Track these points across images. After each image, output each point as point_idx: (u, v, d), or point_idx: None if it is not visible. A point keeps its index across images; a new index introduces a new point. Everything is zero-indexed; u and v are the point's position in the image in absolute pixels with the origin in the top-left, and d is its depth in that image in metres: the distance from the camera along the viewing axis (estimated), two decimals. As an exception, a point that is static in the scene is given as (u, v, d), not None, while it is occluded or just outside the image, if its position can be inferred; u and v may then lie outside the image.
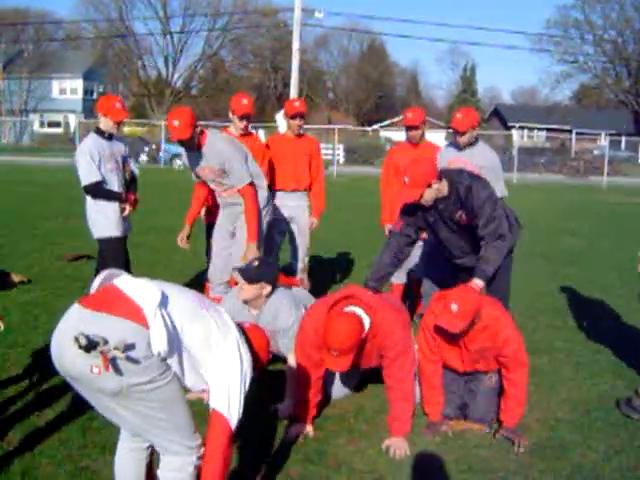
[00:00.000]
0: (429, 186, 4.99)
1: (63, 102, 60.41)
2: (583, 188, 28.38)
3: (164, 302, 3.00)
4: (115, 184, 6.48)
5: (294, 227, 7.25)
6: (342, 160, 39.03)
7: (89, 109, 59.34)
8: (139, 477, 3.43)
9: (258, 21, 60.87)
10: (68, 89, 61.43)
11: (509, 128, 54.75)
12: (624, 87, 49.88)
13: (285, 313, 4.93)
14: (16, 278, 8.29)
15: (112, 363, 2.81)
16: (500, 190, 6.09)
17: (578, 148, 47.44)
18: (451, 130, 6.47)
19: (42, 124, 60.03)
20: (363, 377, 5.30)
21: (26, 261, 9.81)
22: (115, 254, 6.54)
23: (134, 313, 2.90)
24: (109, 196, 6.44)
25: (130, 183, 6.76)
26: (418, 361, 4.72)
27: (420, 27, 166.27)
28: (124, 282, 3.07)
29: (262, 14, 59.57)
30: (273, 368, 5.63)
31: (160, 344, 2.90)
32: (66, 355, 2.88)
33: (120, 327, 2.86)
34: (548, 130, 57.63)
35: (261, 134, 47.51)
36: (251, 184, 5.97)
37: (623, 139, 47.08)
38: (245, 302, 4.97)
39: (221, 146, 5.91)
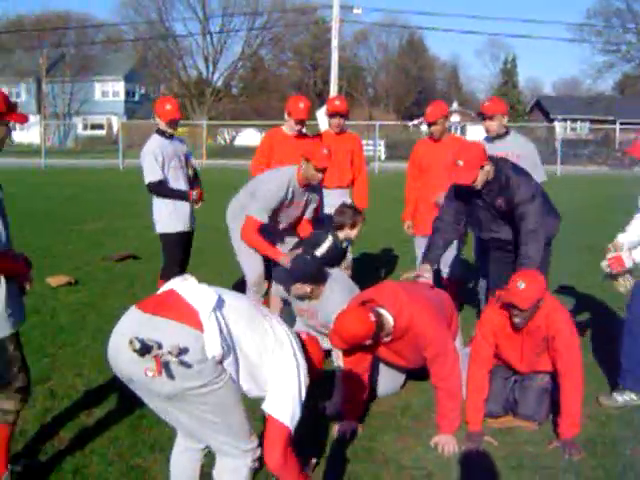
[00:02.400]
0: (482, 168, 5.00)
1: (105, 104, 61.10)
2: (628, 179, 27.88)
3: (220, 306, 3.03)
4: (181, 181, 6.73)
5: None
6: (384, 156, 38.92)
7: (131, 111, 60.05)
8: (194, 477, 3.46)
9: (297, 19, 60.92)
10: (110, 91, 62.18)
11: (551, 120, 54.11)
12: (668, 75, 49.19)
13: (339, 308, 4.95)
14: (63, 279, 8.41)
15: (165, 367, 2.83)
16: (540, 176, 6.13)
17: (622, 139, 46.68)
18: (480, 117, 6.44)
19: (85, 127, 60.80)
20: (410, 374, 5.28)
21: (73, 262, 9.96)
22: (175, 248, 6.75)
23: (190, 317, 2.93)
24: (172, 194, 6.66)
25: (194, 179, 6.96)
26: (468, 364, 4.66)
27: (459, 20, 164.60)
28: (182, 286, 3.11)
29: (300, 12, 59.58)
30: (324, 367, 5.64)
31: (214, 348, 2.91)
32: (121, 358, 2.92)
33: (174, 331, 2.89)
34: (591, 121, 56.78)
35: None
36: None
37: (668, 129, 46.32)
38: (303, 298, 5.16)
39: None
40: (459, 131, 45.87)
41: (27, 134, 55.16)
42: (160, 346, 2.80)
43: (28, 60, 57.90)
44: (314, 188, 6.09)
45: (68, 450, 4.28)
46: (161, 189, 6.60)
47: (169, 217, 6.68)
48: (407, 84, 72.58)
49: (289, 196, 5.87)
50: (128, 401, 4.47)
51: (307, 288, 5.05)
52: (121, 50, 65.50)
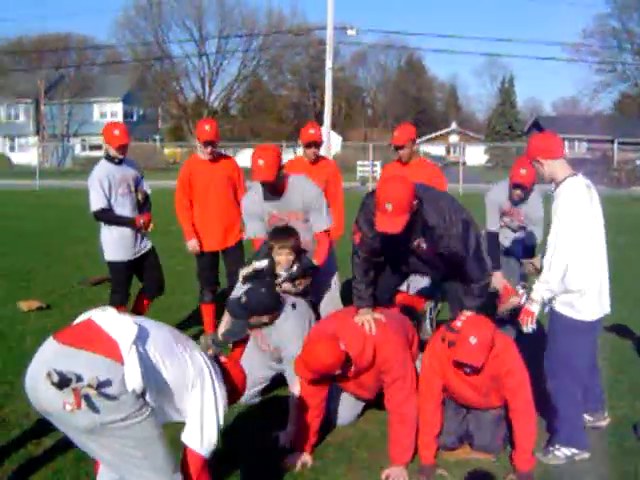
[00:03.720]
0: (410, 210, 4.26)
1: (104, 125, 61.02)
2: (625, 199, 27.82)
3: (141, 337, 2.97)
4: (127, 207, 6.62)
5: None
6: (379, 177, 38.88)
7: (129, 132, 60.17)
8: None
9: (293, 40, 61.21)
10: (108, 112, 62.27)
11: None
12: (665, 95, 49.26)
13: (292, 343, 4.86)
14: (34, 304, 8.32)
15: (85, 400, 2.75)
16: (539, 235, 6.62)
17: (620, 158, 46.71)
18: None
19: (84, 147, 60.85)
20: (368, 404, 5.17)
21: (49, 286, 9.88)
22: (121, 277, 6.74)
23: (109, 348, 2.86)
24: (118, 221, 6.58)
25: (144, 204, 6.86)
26: (419, 398, 4.53)
27: (457, 41, 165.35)
28: (101, 316, 3.03)
29: (295, 33, 59.83)
30: (276, 394, 5.55)
31: (134, 381, 2.85)
32: (39, 391, 2.84)
33: (94, 363, 2.82)
34: (589, 141, 56.86)
35: (300, 153, 47.91)
36: (328, 230, 5.81)
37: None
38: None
39: (309, 188, 5.66)
40: (459, 151, 45.93)
41: (26, 155, 55.30)
42: (79, 379, 2.74)
43: (27, 81, 58.06)
44: (296, 193, 5.62)
45: (9, 482, 4.17)
46: (107, 216, 6.55)
47: (114, 245, 6.65)
48: (405, 104, 72.91)
49: (262, 206, 5.66)
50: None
51: (264, 319, 4.95)
52: (120, 72, 65.77)
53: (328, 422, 4.94)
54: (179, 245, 8.49)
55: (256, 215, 5.71)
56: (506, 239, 6.93)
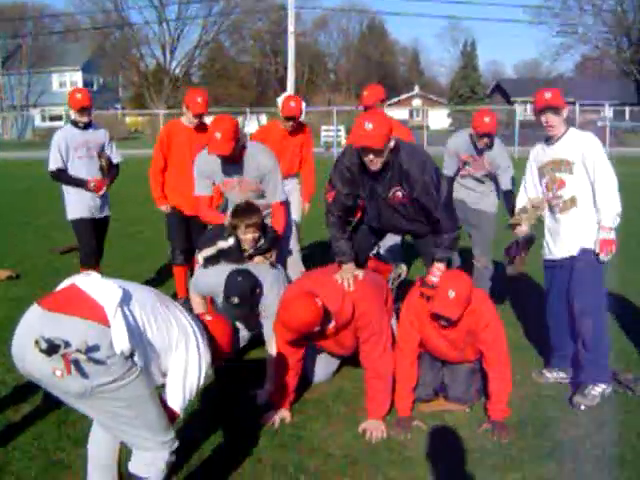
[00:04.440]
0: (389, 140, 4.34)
1: (63, 95, 58.55)
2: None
3: (126, 300, 2.99)
4: (83, 171, 6.86)
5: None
6: (344, 142, 38.81)
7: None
8: (112, 458, 3.46)
9: (255, 5, 60.55)
10: (68, 82, 61.09)
11: (512, 103, 54.35)
12: (625, 57, 49.45)
13: (271, 301, 4.88)
14: (3, 274, 8.27)
15: (75, 365, 2.77)
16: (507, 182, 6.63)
17: (582, 120, 47.05)
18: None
19: (44, 118, 59.81)
20: (344, 360, 5.24)
21: (17, 256, 9.81)
22: (85, 235, 7.00)
23: (95, 312, 2.87)
24: (70, 182, 6.87)
25: (109, 169, 7.07)
26: (395, 352, 4.62)
27: (418, 4, 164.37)
28: (85, 281, 3.05)
29: (257, -2, 59.24)
30: (255, 356, 5.60)
31: (122, 343, 2.87)
32: (27, 358, 2.85)
33: (81, 328, 2.83)
34: (551, 103, 57.10)
35: (263, 119, 47.28)
36: (284, 202, 5.77)
37: (627, 109, 46.69)
38: None
39: (265, 160, 5.56)
40: (422, 115, 46.01)
41: (-15, 127, 54.37)
42: (67, 344, 2.74)
43: (-17, 52, 56.97)
44: (252, 162, 5.52)
45: (-9, 447, 4.20)
46: (60, 177, 6.84)
47: (73, 204, 6.93)
48: (368, 69, 72.60)
49: (213, 168, 5.56)
50: (56, 397, 4.39)
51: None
52: (78, 40, 64.65)
53: (305, 379, 5.01)
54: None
55: (205, 175, 5.64)
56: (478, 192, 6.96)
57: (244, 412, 4.72)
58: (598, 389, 4.78)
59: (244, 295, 4.78)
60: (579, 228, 4.86)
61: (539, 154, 5.13)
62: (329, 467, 4.04)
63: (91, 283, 3.02)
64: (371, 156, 4.27)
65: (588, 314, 4.78)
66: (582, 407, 4.70)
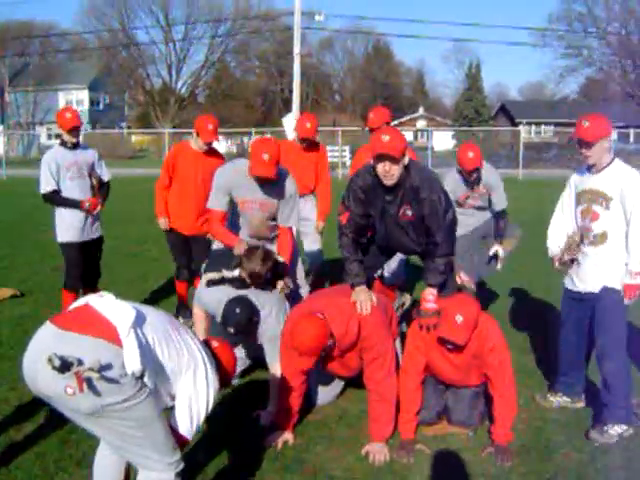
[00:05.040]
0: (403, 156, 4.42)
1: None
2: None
3: (139, 321, 3.02)
4: (76, 191, 6.81)
5: (307, 225, 7.38)
6: (348, 162, 38.87)
7: (95, 120, 59.55)
8: (118, 478, 3.46)
9: (260, 26, 60.85)
10: (74, 100, 61.33)
11: (516, 124, 54.49)
12: (630, 79, 49.50)
13: (271, 324, 4.89)
14: (8, 292, 8.27)
15: (87, 383, 2.79)
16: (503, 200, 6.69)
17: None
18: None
19: (49, 136, 59.99)
20: (348, 382, 5.24)
21: (22, 274, 9.81)
22: (73, 259, 6.95)
23: (108, 332, 2.90)
24: (65, 203, 6.79)
25: (99, 188, 7.04)
26: (400, 375, 4.62)
27: (424, 26, 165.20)
28: (99, 301, 3.08)
29: (263, 19, 59.49)
30: (258, 377, 5.59)
31: (134, 363, 2.90)
32: (40, 376, 2.87)
33: (94, 347, 2.85)
34: (556, 125, 57.25)
35: (268, 139, 47.44)
36: (290, 228, 5.79)
37: (632, 131, 46.73)
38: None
39: (289, 185, 5.55)
40: (427, 136, 46.08)
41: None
42: (81, 362, 2.76)
43: (-10, 69, 57.26)
44: (278, 186, 5.50)
45: (-8, 467, 4.19)
46: (54, 198, 6.77)
47: (64, 227, 6.85)
48: (373, 90, 72.83)
49: (236, 184, 5.52)
50: (59, 416, 4.36)
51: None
52: (85, 59, 64.94)
53: (308, 401, 5.01)
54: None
55: (225, 190, 5.57)
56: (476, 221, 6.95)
57: (247, 434, 4.71)
58: (618, 429, 4.65)
59: (239, 326, 4.77)
60: (605, 266, 4.71)
61: (581, 180, 4.91)
62: (332, 490, 4.03)
63: (105, 303, 3.06)
64: (387, 165, 4.33)
65: (609, 355, 4.68)
66: (597, 444, 4.59)
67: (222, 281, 5.18)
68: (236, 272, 5.12)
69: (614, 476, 4.15)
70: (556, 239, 5.06)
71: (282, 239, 5.64)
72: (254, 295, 4.95)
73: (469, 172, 6.57)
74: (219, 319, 4.97)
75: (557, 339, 5.24)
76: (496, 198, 6.73)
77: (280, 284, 5.18)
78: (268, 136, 5.48)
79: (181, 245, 7.15)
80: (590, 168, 4.78)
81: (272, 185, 5.41)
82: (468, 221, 6.77)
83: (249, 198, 5.52)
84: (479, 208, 6.90)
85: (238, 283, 5.10)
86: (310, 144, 7.24)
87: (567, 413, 5.07)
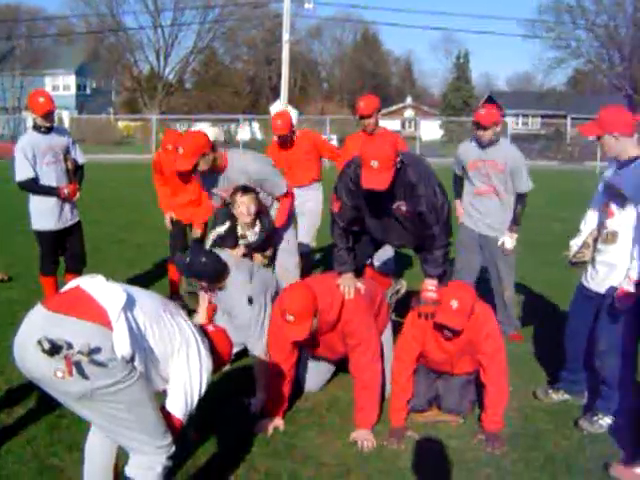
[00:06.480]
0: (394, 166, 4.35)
1: (56, 98, 57.94)
2: (577, 174, 28.27)
3: (129, 304, 3.00)
4: (53, 177, 6.63)
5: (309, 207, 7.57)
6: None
7: (82, 105, 59.24)
8: (109, 462, 3.44)
9: (250, 13, 60.57)
10: (61, 85, 61.08)
11: (504, 115, 54.59)
12: (617, 71, 49.65)
13: (242, 311, 4.85)
14: (-4, 276, 8.25)
15: (76, 367, 2.78)
16: (526, 186, 6.41)
17: (573, 133, 47.21)
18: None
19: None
20: (339, 368, 5.25)
21: (8, 258, 9.76)
22: (48, 247, 6.82)
23: (98, 315, 2.89)
24: (43, 191, 6.62)
25: (75, 172, 6.92)
26: (393, 363, 4.65)
27: (413, 16, 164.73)
28: (90, 284, 3.06)
29: (253, 6, 59.22)
30: (247, 363, 5.58)
31: (123, 347, 2.89)
32: (29, 358, 2.86)
33: (84, 330, 2.84)
34: (543, 116, 57.45)
35: (255, 127, 47.15)
36: (288, 194, 5.83)
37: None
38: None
39: (251, 165, 5.60)
40: (414, 125, 46.10)
41: (-24, 129, 54.12)
42: (70, 346, 2.75)
43: (-24, 53, 56.80)
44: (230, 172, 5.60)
45: (-17, 451, 4.18)
46: (31, 186, 6.57)
47: (40, 214, 6.71)
48: (361, 78, 72.77)
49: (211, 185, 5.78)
50: (49, 400, 4.37)
51: (202, 283, 4.95)
52: (72, 44, 64.49)
53: (298, 388, 5.02)
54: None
55: (211, 191, 5.79)
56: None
57: (238, 420, 4.72)
58: (608, 420, 4.63)
59: (196, 270, 4.76)
60: (612, 267, 4.56)
61: (608, 174, 4.66)
62: (322, 476, 4.05)
63: (96, 286, 3.03)
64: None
65: (610, 354, 4.56)
66: (585, 432, 4.60)
67: (219, 242, 5.33)
68: (226, 223, 5.36)
69: (603, 465, 4.17)
70: (580, 236, 4.87)
71: (279, 206, 5.83)
72: (247, 268, 4.97)
73: (477, 126, 6.16)
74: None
75: (554, 331, 5.25)
76: (518, 179, 6.28)
77: (258, 257, 5.33)
78: (195, 129, 5.60)
79: (180, 232, 7.33)
80: (618, 162, 4.49)
81: (229, 171, 5.55)
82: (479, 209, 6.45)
83: (219, 189, 5.68)
84: (491, 199, 6.41)
85: (231, 240, 5.32)
86: (286, 139, 7.37)
87: (557, 402, 5.09)
